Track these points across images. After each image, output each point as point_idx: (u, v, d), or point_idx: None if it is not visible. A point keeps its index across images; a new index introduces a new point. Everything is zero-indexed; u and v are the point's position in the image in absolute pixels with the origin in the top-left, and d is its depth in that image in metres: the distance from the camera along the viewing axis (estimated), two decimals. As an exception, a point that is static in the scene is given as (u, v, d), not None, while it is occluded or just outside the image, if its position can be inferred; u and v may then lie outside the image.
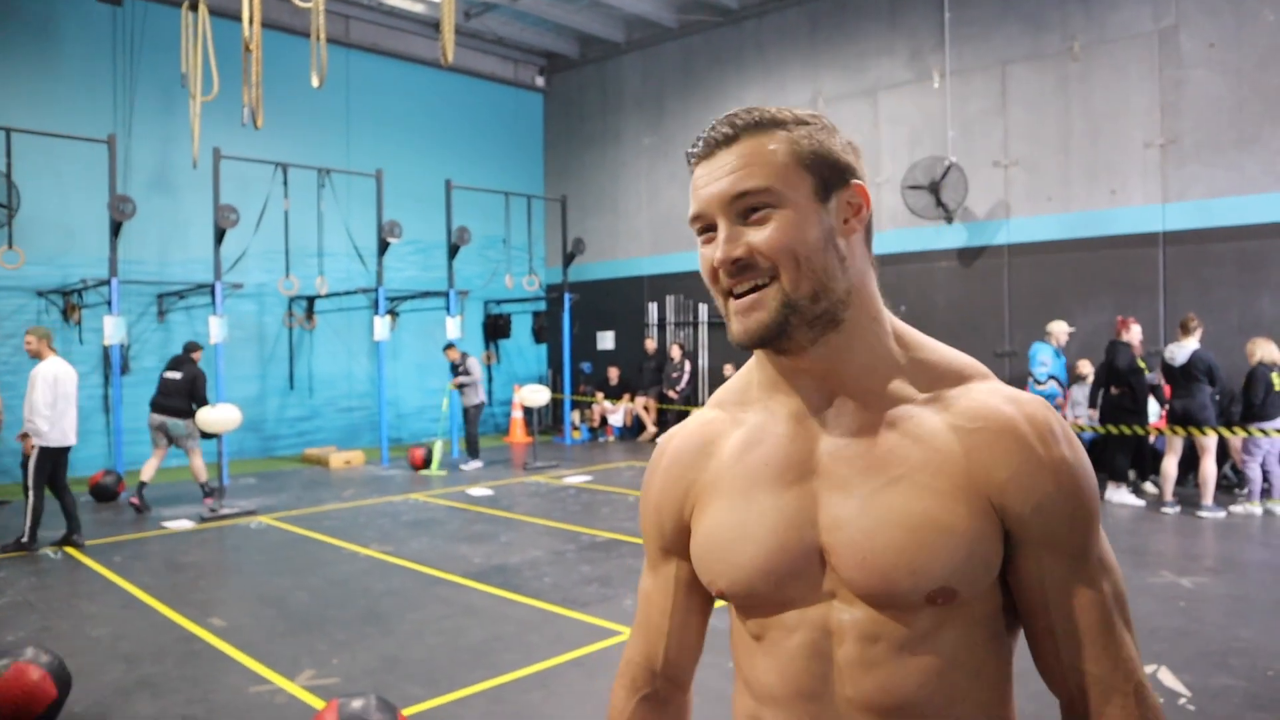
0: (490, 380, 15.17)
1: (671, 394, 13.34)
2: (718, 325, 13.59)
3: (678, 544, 1.15)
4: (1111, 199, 9.91)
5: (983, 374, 1.04)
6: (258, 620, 5.18)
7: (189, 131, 10.25)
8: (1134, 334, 8.36)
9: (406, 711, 3.78)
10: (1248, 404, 7.69)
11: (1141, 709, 0.96)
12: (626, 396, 14.14)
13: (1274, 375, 7.70)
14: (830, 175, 1.00)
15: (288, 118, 12.26)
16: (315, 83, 8.03)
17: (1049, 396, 9.01)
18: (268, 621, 5.14)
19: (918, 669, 0.99)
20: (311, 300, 12.72)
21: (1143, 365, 8.40)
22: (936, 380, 1.02)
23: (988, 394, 1.00)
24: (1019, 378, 10.45)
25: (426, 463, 10.88)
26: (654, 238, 14.57)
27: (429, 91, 14.38)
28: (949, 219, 10.98)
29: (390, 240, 11.49)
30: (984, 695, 1.01)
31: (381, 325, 11.57)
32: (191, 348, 9.03)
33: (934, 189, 10.85)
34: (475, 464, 11.08)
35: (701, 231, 1.03)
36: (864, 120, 12.01)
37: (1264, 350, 7.82)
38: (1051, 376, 9.19)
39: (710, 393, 13.30)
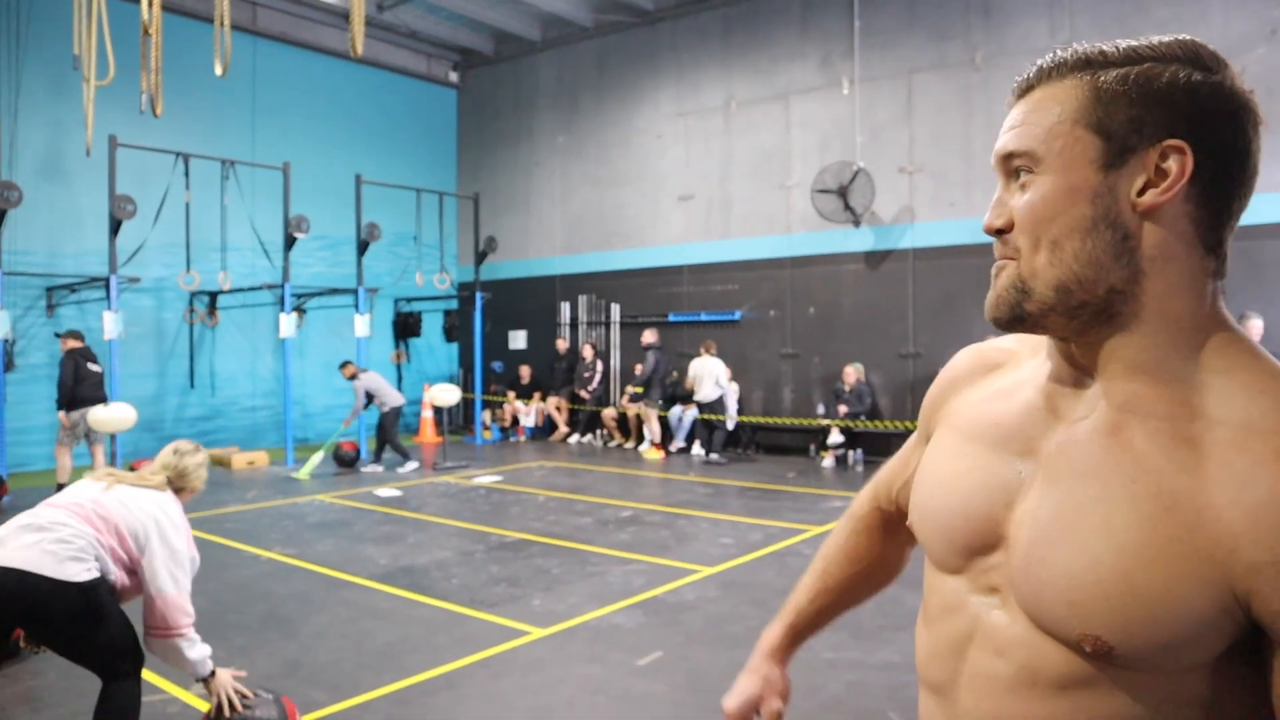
0: (400, 380, 14.93)
1: (584, 394, 13.33)
2: (630, 325, 13.63)
3: (924, 435, 1.13)
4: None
5: None
6: (151, 627, 4.99)
7: (82, 117, 9.81)
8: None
9: (308, 717, 3.69)
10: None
11: None
12: (538, 396, 14.07)
13: None
14: (1128, 134, 0.81)
15: (190, 106, 11.85)
16: (219, 71, 7.78)
17: None
18: (161, 628, 4.96)
19: (1038, 714, 0.85)
20: (214, 296, 12.32)
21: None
22: (1236, 412, 0.79)
23: None
24: (923, 379, 10.76)
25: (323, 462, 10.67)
26: (567, 237, 14.54)
27: (339, 84, 14.07)
28: (856, 223, 11.23)
29: (297, 235, 11.21)
30: None
31: (287, 322, 11.28)
32: (75, 335, 8.84)
33: (842, 193, 11.08)
34: (411, 464, 10.76)
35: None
36: (775, 124, 12.19)
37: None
38: None
39: (621, 392, 13.37)
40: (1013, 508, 0.89)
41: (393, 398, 10.79)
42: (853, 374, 10.90)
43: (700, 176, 12.96)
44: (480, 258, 13.63)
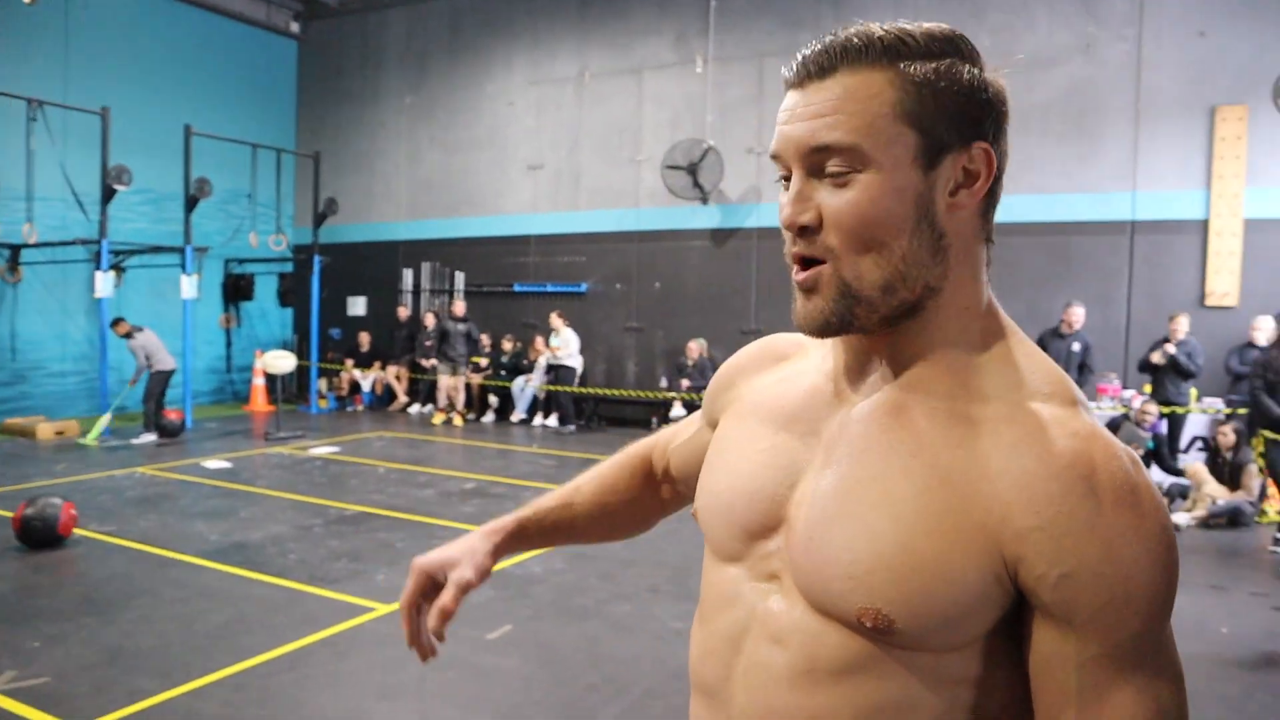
0: (229, 345, 14.17)
1: (424, 363, 13.04)
2: (474, 294, 13.41)
3: (708, 418, 1.12)
4: (850, 192, 10.69)
5: (1066, 398, 0.81)
6: (-52, 611, 4.58)
7: None
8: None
9: (135, 707, 3.48)
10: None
11: None
12: (377, 365, 13.67)
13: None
14: (944, 133, 0.81)
15: (-10, 39, 10.76)
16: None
17: None
18: (-39, 612, 4.55)
19: (820, 704, 0.82)
20: (16, 250, 11.27)
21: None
22: (1007, 388, 0.83)
23: (1054, 421, 0.78)
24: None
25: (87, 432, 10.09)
26: (412, 202, 14.13)
27: (168, 26, 13.08)
28: (704, 200, 11.43)
29: (117, 187, 10.40)
30: None
31: (104, 281, 10.48)
32: None
33: (692, 170, 11.23)
34: (148, 436, 9.92)
35: (780, 173, 0.87)
36: (628, 98, 12.21)
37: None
38: None
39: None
40: (794, 488, 0.88)
41: (166, 360, 10.10)
42: (696, 349, 11.12)
43: (550, 146, 12.84)
44: (319, 219, 13.05)
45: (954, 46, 0.82)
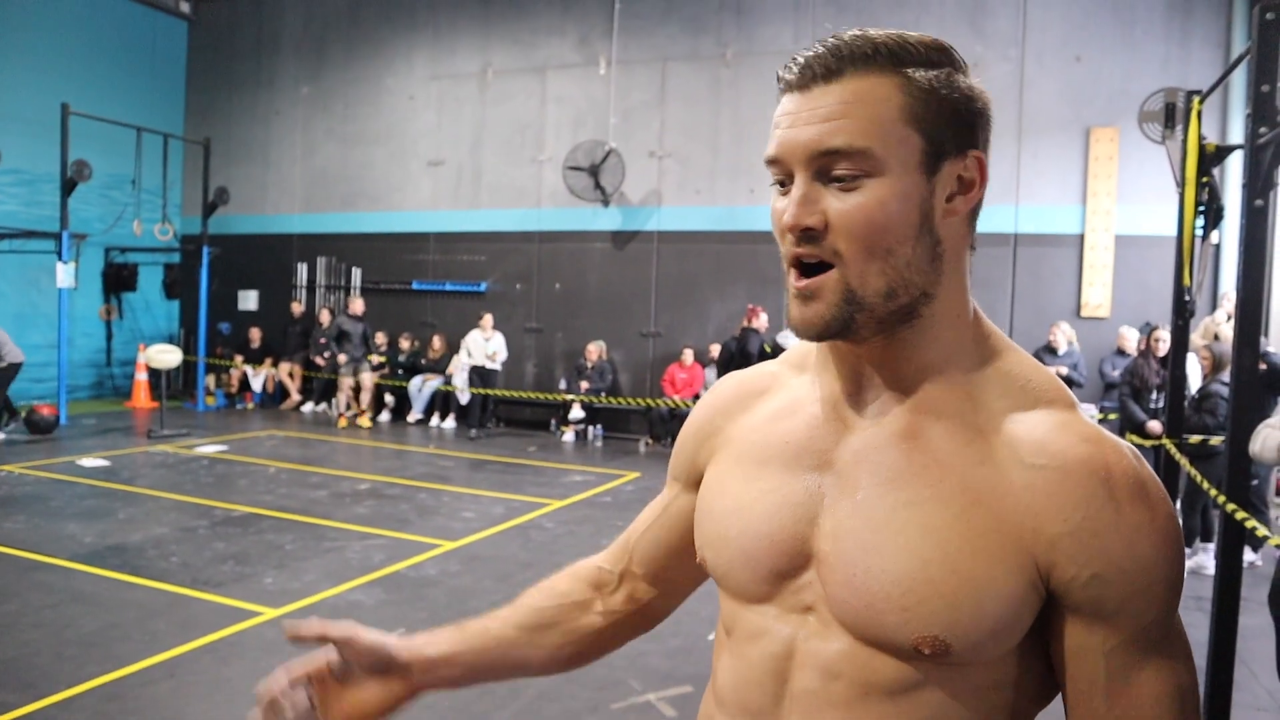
0: (110, 337, 13.54)
1: (318, 360, 12.70)
2: (371, 291, 13.14)
3: (686, 477, 1.06)
4: (750, 197, 10.86)
5: (1066, 401, 0.85)
6: None
7: None
8: (762, 321, 9.29)
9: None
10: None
11: None
12: (269, 361, 13.26)
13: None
14: (945, 139, 0.82)
15: None
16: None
17: None
18: None
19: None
20: None
21: (769, 350, 9.35)
22: (1010, 398, 0.85)
23: (1062, 427, 0.82)
24: (663, 357, 11.20)
25: None
26: (307, 194, 13.75)
27: None
28: (606, 202, 11.46)
29: (-16, 168, 9.83)
30: None
31: (-31, 267, 9.89)
32: None
33: (594, 172, 11.25)
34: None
35: (777, 177, 0.86)
36: (531, 97, 12.15)
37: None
38: None
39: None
40: (816, 523, 0.87)
41: (15, 353, 9.44)
42: (595, 351, 11.14)
43: (452, 143, 12.68)
44: (209, 209, 12.58)
45: (949, 56, 0.84)
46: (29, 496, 6.96)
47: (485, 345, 11.40)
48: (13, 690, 3.59)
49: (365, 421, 11.68)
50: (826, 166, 0.81)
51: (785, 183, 0.84)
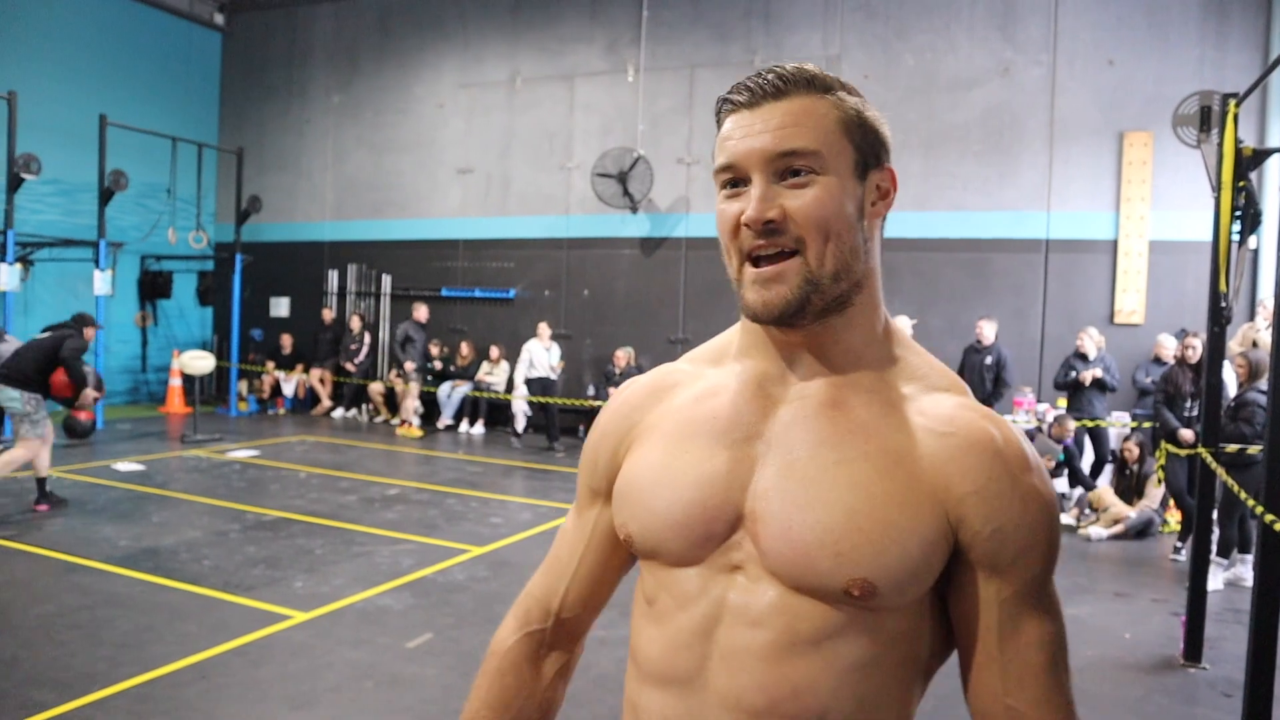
0: (145, 344, 13.73)
1: (349, 366, 12.81)
2: (400, 298, 13.24)
3: (606, 485, 1.09)
4: (778, 204, 10.83)
5: (960, 388, 0.99)
6: None
7: None
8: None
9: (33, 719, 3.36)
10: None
11: None
12: (300, 367, 13.39)
13: None
14: (869, 153, 0.97)
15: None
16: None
17: None
18: None
19: (802, 673, 0.92)
20: (-85, 240, 10.77)
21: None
22: (917, 383, 0.98)
23: (962, 406, 0.95)
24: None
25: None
26: (338, 202, 13.89)
27: (82, 10, 12.62)
28: (634, 209, 11.47)
29: (25, 176, 10.00)
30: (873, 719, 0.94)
31: (9, 274, 10.07)
32: (81, 321, 7.03)
33: (622, 179, 11.27)
34: None
35: (727, 184, 0.96)
36: (559, 104, 12.20)
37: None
38: None
39: (389, 365, 12.99)
40: (747, 488, 0.96)
41: None
42: (623, 357, 11.14)
43: (480, 150, 12.76)
44: (242, 217, 12.74)
45: (859, 92, 0.99)
46: (66, 500, 7.06)
47: (547, 355, 11.31)
48: (50, 689, 3.64)
49: (416, 431, 11.58)
50: (782, 168, 0.93)
51: (738, 185, 0.95)
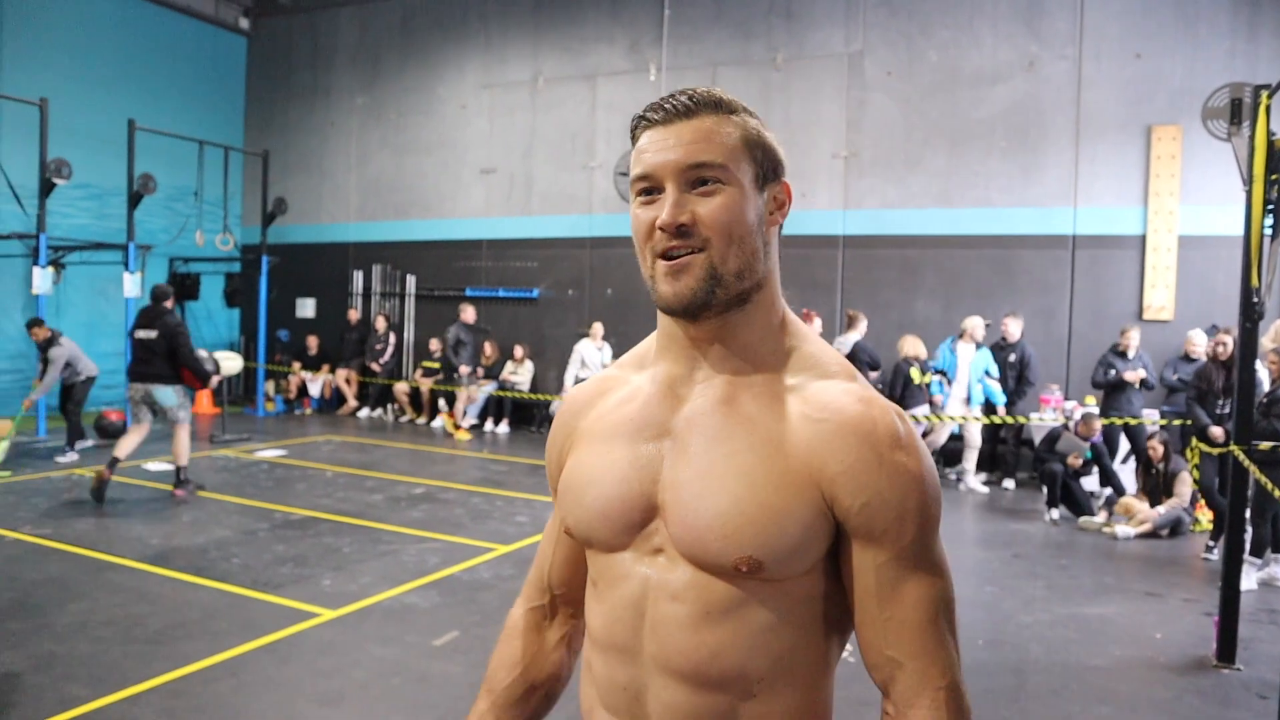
0: (173, 345, 13.88)
1: (374, 366, 12.89)
2: (425, 298, 13.32)
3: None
4: (802, 201, 10.79)
5: (849, 374, 1.09)
6: (-128, 617, 4.43)
7: None
8: (815, 326, 9.22)
9: (66, 715, 3.41)
10: (889, 394, 8.74)
11: (952, 707, 1.01)
12: (326, 368, 13.49)
13: (913, 369, 8.92)
14: (767, 167, 1.08)
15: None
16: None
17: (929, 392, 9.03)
18: (-114, 618, 4.41)
19: (717, 640, 1.04)
20: (-50, 244, 10.96)
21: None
22: (806, 373, 1.08)
23: (842, 391, 1.05)
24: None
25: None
26: (362, 203, 13.98)
27: (110, 17, 12.79)
28: (658, 208, 11.44)
29: (57, 181, 10.15)
30: (790, 676, 1.05)
31: (42, 277, 10.22)
32: (160, 294, 7.46)
33: (645, 178, 11.25)
34: (73, 455, 9.04)
35: (643, 193, 1.07)
36: (582, 104, 12.22)
37: (910, 347, 9.04)
38: (939, 371, 9.06)
39: (415, 366, 13.06)
40: (658, 481, 1.08)
41: (90, 366, 9.40)
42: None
43: (503, 151, 12.80)
44: (268, 219, 12.86)
45: (757, 115, 1.11)
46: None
47: (599, 355, 11.28)
48: (85, 685, 3.70)
49: (465, 434, 11.53)
50: (692, 178, 1.04)
51: (652, 193, 1.06)
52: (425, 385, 12.48)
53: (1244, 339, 4.61)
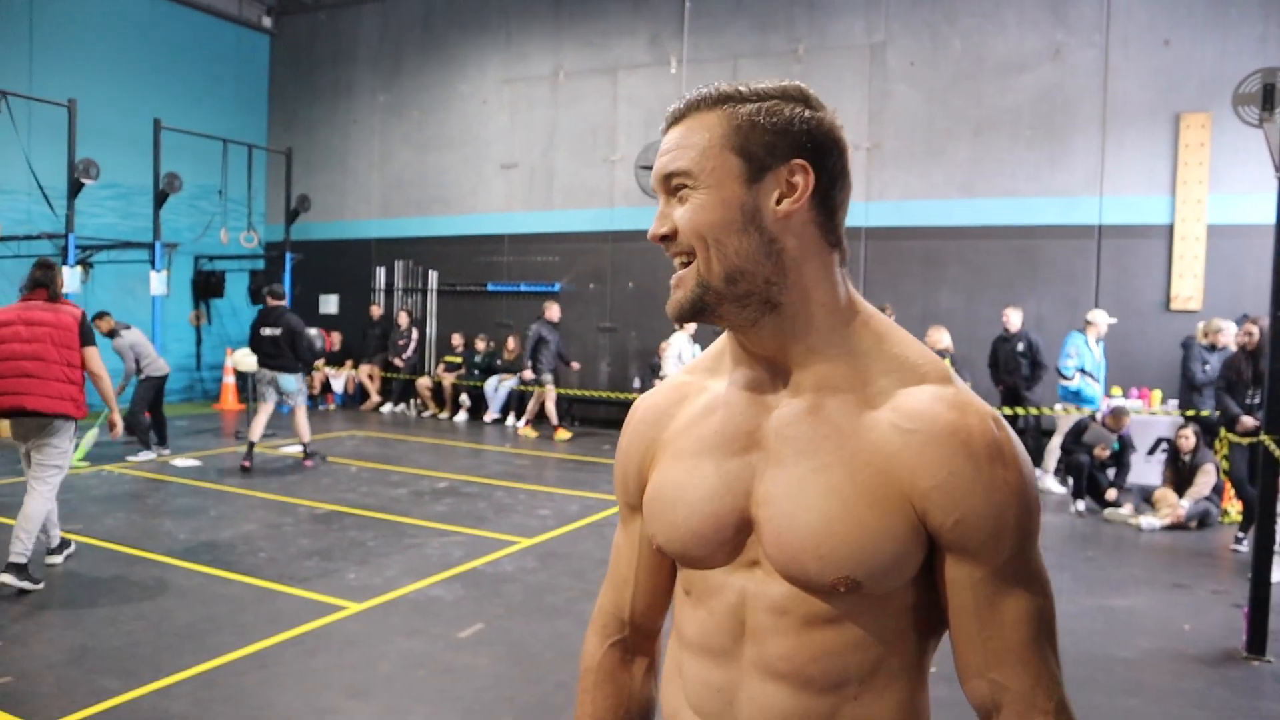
0: (199, 343, 14.03)
1: (397, 362, 12.98)
2: (447, 293, 13.38)
3: (639, 500, 1.18)
4: (823, 194, 10.74)
5: (942, 377, 1.02)
6: (-91, 610, 4.51)
7: None
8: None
9: (100, 706, 3.45)
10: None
11: None
12: (349, 364, 13.59)
13: (946, 361, 8.79)
14: (764, 154, 0.99)
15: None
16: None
17: (1075, 393, 8.54)
18: (-78, 611, 4.49)
19: (819, 646, 1.01)
20: (-19, 243, 11.11)
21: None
22: (894, 375, 1.01)
23: (934, 398, 0.98)
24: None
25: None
26: (384, 200, 14.05)
27: (136, 17, 12.93)
28: (679, 201, 11.42)
29: (84, 181, 10.27)
30: (888, 684, 1.03)
31: (70, 276, 10.33)
32: (277, 294, 8.71)
33: (666, 171, 11.23)
34: (147, 455, 9.04)
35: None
36: (603, 98, 12.22)
37: (935, 337, 8.96)
38: (1083, 370, 8.52)
39: (437, 361, 13.13)
40: (751, 495, 1.04)
41: (159, 365, 9.28)
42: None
43: (524, 145, 12.82)
44: (291, 217, 12.96)
45: (782, 93, 1.02)
46: (127, 495, 7.26)
47: (692, 348, 10.75)
48: (117, 677, 3.75)
49: (532, 431, 11.37)
50: (671, 187, 1.02)
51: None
52: (448, 380, 12.54)
53: (1274, 328, 4.55)
